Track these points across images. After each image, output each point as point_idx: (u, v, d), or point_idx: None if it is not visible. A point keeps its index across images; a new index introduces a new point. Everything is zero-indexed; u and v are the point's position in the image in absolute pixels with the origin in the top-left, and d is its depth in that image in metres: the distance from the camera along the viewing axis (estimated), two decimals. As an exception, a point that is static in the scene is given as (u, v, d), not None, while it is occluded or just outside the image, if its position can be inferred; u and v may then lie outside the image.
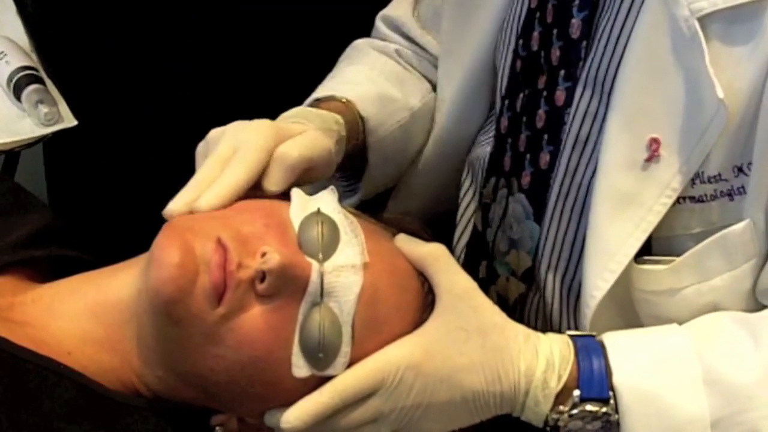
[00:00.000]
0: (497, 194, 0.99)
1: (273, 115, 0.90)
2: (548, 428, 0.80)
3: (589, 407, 0.78)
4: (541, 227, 0.92)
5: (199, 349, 0.74)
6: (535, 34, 0.94)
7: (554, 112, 0.91)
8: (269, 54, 1.30)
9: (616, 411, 0.78)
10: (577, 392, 0.78)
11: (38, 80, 1.21)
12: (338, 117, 0.95)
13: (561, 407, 0.79)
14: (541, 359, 0.79)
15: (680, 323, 0.83)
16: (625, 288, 0.86)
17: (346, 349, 0.75)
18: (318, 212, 0.78)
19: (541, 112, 0.92)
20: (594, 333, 0.83)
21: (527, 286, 0.96)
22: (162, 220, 0.78)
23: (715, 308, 0.84)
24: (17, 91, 1.20)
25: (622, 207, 0.84)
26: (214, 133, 0.84)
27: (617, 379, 0.78)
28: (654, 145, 0.82)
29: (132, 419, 0.75)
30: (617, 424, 0.79)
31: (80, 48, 1.30)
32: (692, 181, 0.82)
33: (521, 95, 0.96)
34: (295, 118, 0.91)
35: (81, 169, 1.37)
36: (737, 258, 0.83)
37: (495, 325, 0.79)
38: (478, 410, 0.79)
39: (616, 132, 0.84)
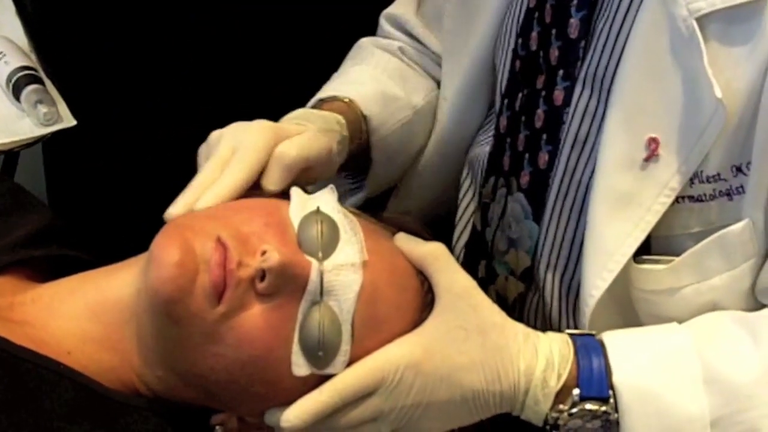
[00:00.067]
0: (496, 194, 0.99)
1: (272, 113, 0.90)
2: (548, 427, 0.80)
3: (588, 406, 0.78)
4: (540, 227, 0.92)
5: (199, 348, 0.74)
6: (534, 33, 0.94)
7: (553, 111, 0.91)
8: (269, 52, 1.30)
9: (616, 410, 0.78)
10: (576, 391, 0.78)
11: (37, 80, 1.20)
12: (340, 117, 0.95)
13: (561, 406, 0.79)
14: (541, 358, 0.79)
15: (680, 323, 0.83)
16: (624, 287, 0.86)
17: (345, 348, 0.75)
18: (317, 211, 0.78)
19: (539, 111, 0.93)
20: (593, 332, 0.83)
21: (526, 286, 0.96)
22: (162, 220, 0.78)
23: (714, 308, 0.84)
24: (16, 91, 1.20)
25: (620, 206, 0.84)
26: (215, 134, 0.85)
27: (617, 378, 0.79)
28: (653, 144, 0.82)
29: (132, 419, 0.76)
30: (617, 423, 0.79)
31: (79, 48, 1.30)
32: (691, 181, 0.82)
33: (520, 95, 0.96)
34: (297, 119, 0.91)
35: (80, 169, 1.37)
36: (736, 257, 0.83)
37: (495, 324, 0.79)
38: (477, 409, 0.79)
39: (614, 131, 0.84)
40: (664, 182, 0.82)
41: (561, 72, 0.90)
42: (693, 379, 0.78)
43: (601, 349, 0.80)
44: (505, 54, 0.99)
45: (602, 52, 0.86)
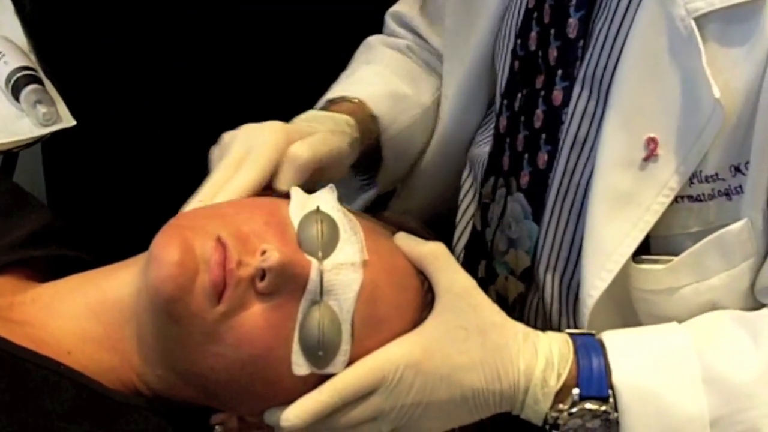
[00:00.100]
0: (496, 194, 0.99)
1: (272, 113, 0.90)
2: (548, 426, 0.80)
3: (588, 405, 0.79)
4: (540, 227, 0.92)
5: (199, 347, 0.74)
6: (533, 34, 0.94)
7: (552, 111, 0.91)
8: (268, 51, 1.30)
9: (616, 409, 0.78)
10: (576, 390, 0.79)
11: (36, 80, 1.20)
12: (349, 119, 0.96)
13: (560, 405, 0.79)
14: (541, 358, 0.79)
15: (679, 322, 0.83)
16: (623, 287, 0.86)
17: (345, 347, 0.75)
18: (317, 210, 0.78)
19: (539, 111, 0.93)
20: (593, 331, 0.83)
21: (526, 286, 0.96)
22: (161, 220, 0.78)
23: (713, 307, 0.85)
24: (15, 92, 1.20)
25: (619, 206, 0.84)
26: (227, 135, 0.85)
27: (616, 378, 0.79)
28: (651, 144, 0.82)
29: (132, 418, 0.76)
30: (616, 422, 0.79)
31: (78, 48, 1.29)
32: (690, 181, 0.82)
33: (519, 95, 0.96)
34: (306, 122, 0.92)
35: (79, 169, 1.37)
36: (735, 257, 0.83)
37: (494, 324, 0.79)
38: (477, 408, 0.79)
39: (613, 131, 0.84)
40: (663, 182, 0.82)
41: (560, 72, 0.90)
42: (692, 379, 0.78)
43: (600, 348, 0.80)
44: (505, 54, 0.99)
45: (601, 52, 0.86)
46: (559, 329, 0.87)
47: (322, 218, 0.77)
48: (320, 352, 0.74)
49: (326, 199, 0.80)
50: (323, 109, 1.00)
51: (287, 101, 0.97)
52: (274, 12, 1.27)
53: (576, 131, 0.89)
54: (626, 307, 0.87)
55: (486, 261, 1.01)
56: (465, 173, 1.07)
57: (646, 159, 0.82)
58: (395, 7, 1.16)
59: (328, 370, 0.75)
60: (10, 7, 1.31)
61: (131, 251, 0.81)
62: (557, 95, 0.90)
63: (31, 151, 1.28)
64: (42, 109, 1.18)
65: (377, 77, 1.07)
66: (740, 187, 0.81)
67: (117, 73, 1.29)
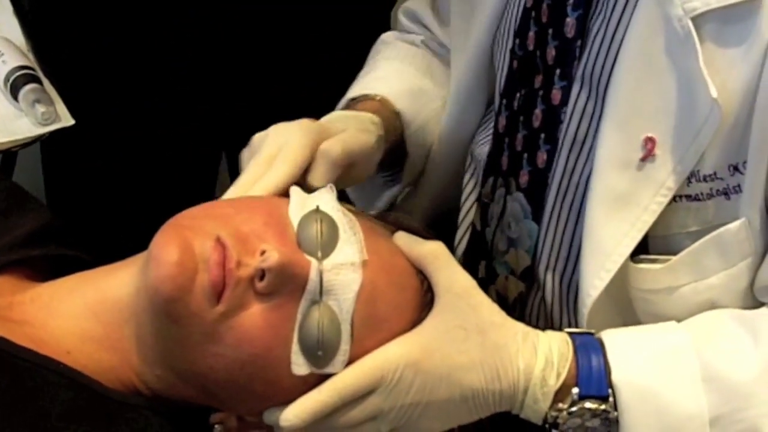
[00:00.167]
0: (495, 193, 0.99)
1: (272, 112, 0.91)
2: (547, 426, 0.80)
3: (588, 405, 0.79)
4: (540, 226, 0.92)
5: (199, 347, 0.74)
6: (531, 33, 0.94)
7: (550, 111, 0.91)
8: (268, 50, 1.30)
9: (615, 408, 0.79)
10: (576, 390, 0.79)
11: (35, 80, 1.20)
12: (374, 117, 0.96)
13: (560, 405, 0.79)
14: (540, 357, 0.79)
15: (678, 321, 0.83)
16: (622, 287, 0.86)
17: (345, 347, 0.75)
18: (317, 210, 0.78)
19: (537, 111, 0.93)
20: (593, 330, 0.83)
21: (526, 285, 0.96)
22: (161, 219, 0.78)
23: (712, 306, 0.85)
24: (14, 91, 1.19)
25: (617, 206, 0.84)
26: (258, 136, 0.86)
27: (616, 377, 0.79)
28: (649, 144, 0.82)
29: (131, 417, 0.76)
30: (616, 421, 0.79)
31: (77, 47, 1.30)
32: (688, 180, 0.82)
33: (518, 95, 0.96)
34: (332, 122, 0.92)
35: (78, 169, 1.37)
36: (733, 256, 0.83)
37: (494, 324, 0.79)
38: (477, 408, 0.79)
39: (610, 131, 0.84)
40: (661, 182, 0.82)
41: (558, 71, 0.90)
42: (692, 378, 0.78)
43: (600, 347, 0.80)
44: (503, 53, 0.99)
45: (598, 51, 0.86)
46: (560, 329, 0.87)
47: (322, 218, 0.77)
48: (320, 352, 0.74)
49: (326, 198, 0.80)
50: (346, 108, 1.01)
51: (287, 101, 0.97)
52: (274, 12, 1.27)
53: (575, 130, 0.89)
54: (625, 306, 0.87)
55: (486, 261, 1.01)
56: (467, 174, 1.07)
57: (644, 159, 0.82)
58: (408, 5, 1.17)
59: (328, 370, 0.75)
60: (9, 7, 1.31)
61: (130, 251, 0.81)
62: (556, 95, 0.90)
63: (30, 151, 1.28)
64: (41, 108, 1.17)
65: (397, 73, 1.08)
66: (738, 186, 0.82)
67: (116, 72, 1.30)
